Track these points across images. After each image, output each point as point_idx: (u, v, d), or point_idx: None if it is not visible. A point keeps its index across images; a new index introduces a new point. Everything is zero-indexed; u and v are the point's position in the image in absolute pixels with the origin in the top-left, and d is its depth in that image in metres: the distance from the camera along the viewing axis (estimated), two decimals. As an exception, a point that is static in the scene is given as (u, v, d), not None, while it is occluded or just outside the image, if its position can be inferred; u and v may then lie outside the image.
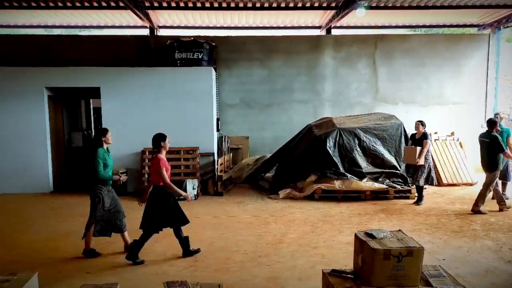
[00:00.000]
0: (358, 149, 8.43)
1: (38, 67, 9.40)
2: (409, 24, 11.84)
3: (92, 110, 11.61)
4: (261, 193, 8.83)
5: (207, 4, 9.60)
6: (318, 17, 10.93)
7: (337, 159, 8.25)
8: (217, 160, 8.98)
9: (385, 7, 9.96)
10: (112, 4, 9.40)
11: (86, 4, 9.44)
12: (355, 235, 3.34)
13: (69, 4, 9.42)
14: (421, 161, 7.43)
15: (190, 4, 9.58)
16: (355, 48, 11.28)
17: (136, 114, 8.99)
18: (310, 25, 11.60)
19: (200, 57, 9.48)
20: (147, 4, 9.48)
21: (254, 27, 11.51)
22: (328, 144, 8.28)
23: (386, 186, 8.10)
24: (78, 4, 9.44)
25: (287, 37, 11.27)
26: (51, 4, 9.37)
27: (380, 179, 8.27)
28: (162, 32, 11.21)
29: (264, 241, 5.59)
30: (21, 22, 10.86)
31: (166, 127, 8.94)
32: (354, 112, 10.87)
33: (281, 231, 6.04)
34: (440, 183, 9.38)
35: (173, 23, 11.10)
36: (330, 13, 10.41)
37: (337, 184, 8.00)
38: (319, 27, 11.65)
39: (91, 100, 11.37)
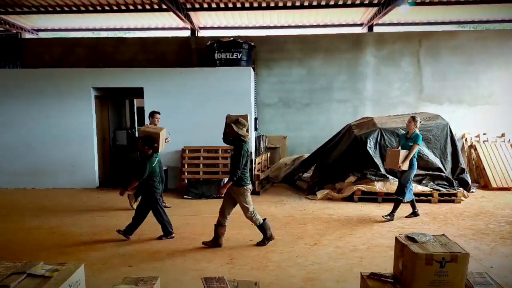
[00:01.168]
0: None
1: (86, 68, 9.89)
2: (457, 20, 11.28)
3: (135, 110, 12.06)
4: (299, 193, 8.78)
5: (247, 4, 9.67)
6: (359, 15, 10.69)
7: (378, 160, 8.03)
8: (255, 160, 9.02)
9: (431, 3, 9.56)
10: (156, 7, 9.69)
11: (131, 7, 9.80)
12: (396, 238, 3.24)
13: (115, 8, 9.82)
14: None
15: (230, 5, 9.68)
16: (398, 45, 10.93)
17: (177, 113, 9.22)
18: (351, 22, 11.35)
19: (239, 57, 9.57)
20: (188, 6, 9.69)
21: (294, 26, 11.44)
22: (368, 145, 8.09)
23: (430, 189, 7.79)
24: (123, 8, 9.82)
25: (327, 36, 11.11)
26: (98, 8, 9.81)
27: (423, 182, 7.97)
28: (202, 33, 11.42)
29: (301, 241, 5.55)
30: (71, 26, 11.47)
31: (205, 126, 9.16)
32: (397, 112, 10.53)
33: (319, 232, 5.97)
34: (488, 187, 8.89)
35: (213, 24, 11.27)
36: (372, 10, 10.15)
37: (378, 186, 7.79)
38: (360, 25, 11.39)
39: (134, 100, 11.81)
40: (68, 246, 5.48)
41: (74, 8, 9.78)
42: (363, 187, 7.85)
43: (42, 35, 11.75)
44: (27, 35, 11.48)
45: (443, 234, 3.30)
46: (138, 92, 9.46)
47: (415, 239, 3.09)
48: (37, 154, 9.39)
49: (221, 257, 4.96)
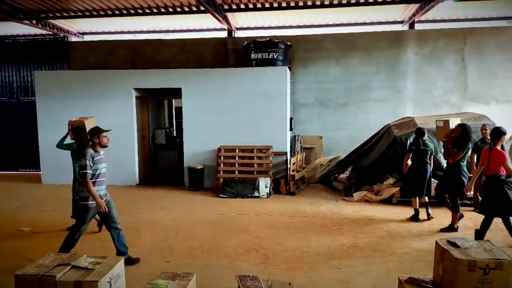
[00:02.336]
0: (443, 151, 7.82)
1: (128, 69, 10.24)
2: (506, 15, 10.68)
3: (174, 109, 12.36)
4: (335, 194, 8.65)
5: (284, 4, 9.64)
6: (400, 12, 10.37)
7: (418, 162, 7.75)
8: (290, 160, 8.99)
9: (476, -2, 9.11)
10: (194, 9, 9.88)
11: (171, 10, 10.05)
12: (436, 242, 3.12)
13: (155, 11, 10.11)
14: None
15: (267, 5, 9.69)
16: (441, 43, 10.50)
17: (213, 113, 9.35)
18: (391, 20, 11.04)
19: (275, 57, 9.57)
20: (226, 7, 9.80)
21: (331, 25, 11.28)
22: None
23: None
24: (163, 10, 10.09)
25: (365, 34, 10.87)
26: (139, 11, 10.14)
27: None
28: (239, 34, 11.52)
29: (337, 243, 5.46)
30: (114, 29, 11.93)
31: (241, 125, 9.24)
32: (440, 112, 10.13)
33: (355, 234, 5.85)
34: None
35: (249, 24, 11.33)
36: (413, 6, 9.81)
37: (418, 188, 7.52)
38: (401, 22, 11.04)
39: (173, 100, 12.10)
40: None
41: (116, 12, 10.17)
42: (402, 190, 7.60)
43: (87, 38, 12.30)
44: (73, 38, 12.06)
45: (488, 240, 3.14)
46: (177, 92, 9.68)
47: (456, 244, 2.97)
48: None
49: (256, 257, 4.98)
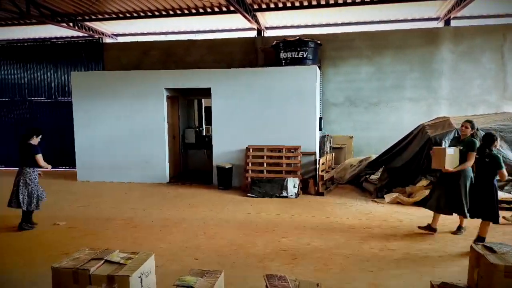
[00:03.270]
0: None
1: (159, 70, 10.46)
2: (549, 9, 10.12)
3: (203, 109, 12.50)
4: (365, 195, 8.48)
5: (314, 2, 9.54)
6: (435, 8, 10.03)
7: (453, 163, 7.48)
8: (319, 160, 8.88)
9: (518, -8, 8.69)
10: (224, 9, 9.96)
11: (201, 10, 10.17)
12: (471, 247, 2.99)
13: (186, 12, 10.27)
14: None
15: (297, 4, 9.63)
16: (478, 40, 10.09)
17: (242, 113, 9.39)
18: (425, 17, 10.70)
19: (304, 55, 9.49)
20: (255, 6, 9.81)
21: (362, 23, 11.06)
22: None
23: (513, 196, 7.07)
24: (194, 11, 10.23)
25: (398, 31, 10.60)
26: (171, 13, 10.32)
27: (506, 188, 7.26)
28: (268, 33, 11.51)
29: (367, 245, 5.35)
30: (146, 30, 12.21)
31: (269, 125, 9.22)
32: (477, 112, 9.74)
33: (386, 237, 5.71)
34: None
35: (279, 23, 11.30)
36: (449, 2, 9.47)
37: (452, 191, 7.25)
38: (435, 19, 10.68)
39: (203, 100, 12.25)
40: (140, 237, 5.83)
41: (149, 13, 10.40)
42: (436, 192, 7.35)
43: (120, 39, 12.65)
44: (107, 40, 12.43)
45: (528, 246, 2.98)
46: (206, 92, 9.79)
47: (493, 249, 2.84)
48: (115, 150, 10.14)
49: (284, 257, 4.96)
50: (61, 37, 12.57)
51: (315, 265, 4.66)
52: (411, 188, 7.83)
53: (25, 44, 12.74)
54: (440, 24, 10.60)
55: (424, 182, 7.66)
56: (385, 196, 7.93)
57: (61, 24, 10.47)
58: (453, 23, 10.43)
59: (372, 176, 9.28)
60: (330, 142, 9.99)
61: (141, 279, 3.13)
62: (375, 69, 10.66)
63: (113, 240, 5.68)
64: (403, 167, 8.18)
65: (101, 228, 6.28)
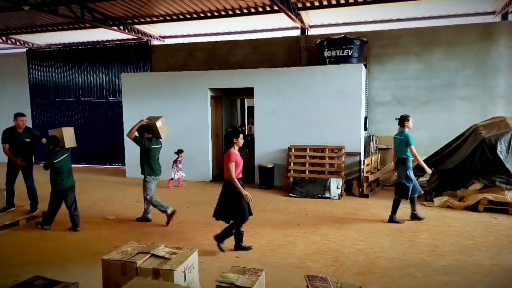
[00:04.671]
0: None
1: (204, 70, 10.67)
2: None
3: (246, 109, 12.60)
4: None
5: (360, -1, 9.31)
6: (491, 2, 9.43)
7: (510, 166, 7.00)
8: (364, 160, 8.65)
9: None
10: (268, 8, 9.97)
11: (245, 11, 10.25)
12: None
13: (230, 13, 10.39)
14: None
15: (342, 1, 9.43)
16: (540, 34, 9.37)
17: (285, 112, 9.35)
18: (479, 11, 10.09)
19: (350, 54, 9.28)
20: (299, 5, 9.73)
21: (411, 19, 10.63)
22: (499, 148, 7.10)
23: None
24: (238, 12, 10.33)
25: (449, 27, 10.08)
26: (215, 14, 10.50)
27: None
28: (312, 32, 11.38)
29: (414, 250, 5.13)
30: (192, 32, 12.50)
31: (312, 125, 9.12)
32: (538, 111, 9.06)
33: (435, 242, 5.45)
34: None
35: (323, 22, 11.13)
36: (507, -5, 8.89)
37: (509, 196, 6.79)
38: (491, 13, 10.05)
39: (245, 99, 12.35)
40: (184, 233, 5.98)
41: (194, 15, 10.64)
42: (490, 196, 6.92)
43: (167, 41, 13.05)
44: (155, 42, 12.87)
45: None
46: (249, 92, 9.86)
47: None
48: (161, 148, 10.43)
49: (325, 258, 4.88)
50: (112, 40, 13.19)
51: (358, 268, 4.54)
52: (462, 191, 7.42)
53: (79, 47, 13.50)
54: (497, 19, 9.96)
55: (477, 186, 7.23)
56: (434, 199, 7.58)
57: (112, 27, 10.98)
58: (511, 17, 9.77)
59: (421, 178, 8.88)
60: (375, 143, 9.70)
61: (185, 274, 3.21)
62: (424, 66, 10.22)
63: (159, 235, 5.87)
64: (454, 170, 7.77)
65: (147, 223, 6.51)
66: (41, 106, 14.01)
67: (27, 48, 13.94)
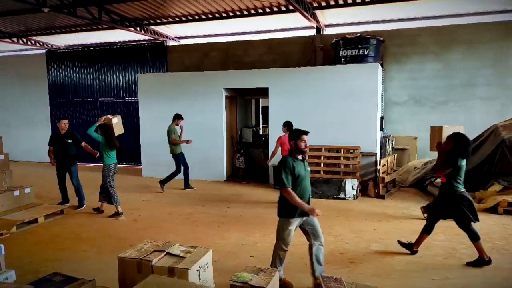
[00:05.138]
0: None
1: (218, 71, 10.71)
2: None
3: (260, 109, 12.59)
4: (430, 200, 7.99)
5: (376, -2, 9.20)
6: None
7: (531, 168, 6.83)
8: (380, 161, 8.55)
9: None
10: (283, 8, 9.94)
11: (260, 11, 10.25)
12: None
13: (245, 13, 10.40)
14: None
15: (358, 0, 9.34)
16: None
17: (299, 112, 9.31)
18: (500, 9, 9.84)
19: (365, 53, 9.18)
20: (315, 4, 9.68)
21: (429, 17, 10.44)
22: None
23: None
24: (253, 12, 10.33)
25: (468, 26, 9.87)
26: (230, 14, 10.52)
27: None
28: (328, 31, 11.30)
29: (431, 252, 5.05)
30: (207, 33, 12.56)
31: (327, 125, 9.05)
32: (560, 111, 8.80)
33: (452, 244, 5.35)
34: None
35: (339, 21, 11.03)
36: (529, -8, 8.65)
37: (531, 198, 6.62)
38: (512, 11, 9.80)
39: (260, 99, 12.34)
40: (199, 232, 6.02)
41: (210, 16, 10.69)
42: (510, 198, 6.76)
43: (183, 41, 13.15)
44: (171, 43, 12.98)
45: None
46: (264, 92, 9.85)
47: None
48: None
49: (341, 260, 4.84)
50: (129, 41, 13.35)
51: (374, 270, 4.49)
52: (481, 193, 7.27)
53: (97, 48, 13.72)
54: (519, 16, 9.71)
55: (496, 187, 7.08)
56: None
57: (129, 28, 11.12)
58: (534, 14, 9.52)
59: (438, 180, 8.73)
60: (392, 143, 9.58)
61: (199, 273, 3.22)
62: (442, 66, 10.03)
63: (174, 233, 5.91)
64: (473, 171, 7.62)
65: (162, 222, 6.58)
66: (60, 106, 14.29)
67: (47, 49, 14.25)
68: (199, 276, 3.22)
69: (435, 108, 10.14)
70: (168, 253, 3.37)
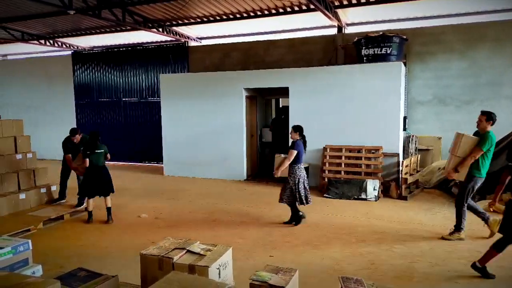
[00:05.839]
0: None
1: (239, 71, 10.75)
2: None
3: (281, 108, 12.56)
4: (454, 201, 7.80)
5: (399, -5, 9.03)
6: (543, -6, 8.86)
7: (562, 169, 6.54)
8: (402, 162, 8.39)
9: None
10: (304, 7, 9.89)
11: (281, 10, 10.23)
12: None
13: (266, 12, 10.40)
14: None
15: (380, -3, 9.19)
16: None
17: (320, 112, 9.25)
18: (530, 5, 9.51)
19: (388, 52, 9.04)
20: (336, 3, 9.59)
21: (454, 15, 10.18)
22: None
23: None
24: (274, 12, 10.32)
25: (496, 23, 9.56)
26: (251, 14, 10.54)
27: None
28: (349, 30, 11.16)
29: (455, 255, 4.93)
30: (228, 33, 12.62)
31: (348, 125, 8.96)
32: None
33: (478, 247, 5.19)
34: None
35: (361, 19, 10.89)
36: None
37: (562, 201, 6.35)
38: (543, 6, 9.43)
39: (280, 99, 12.32)
40: (218, 230, 6.06)
41: (231, 16, 10.75)
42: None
43: (204, 42, 13.26)
44: (192, 43, 13.11)
45: None
46: (284, 92, 9.83)
47: None
48: (197, 147, 10.66)
49: (361, 261, 4.78)
50: (151, 42, 13.57)
51: (395, 272, 4.41)
52: (508, 195, 7.01)
53: (120, 49, 14.00)
54: (551, 12, 9.34)
55: (525, 190, 6.82)
56: (478, 203, 7.22)
57: (152, 29, 11.29)
58: None
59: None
60: (415, 143, 9.39)
61: (219, 271, 3.24)
62: (468, 64, 9.76)
63: (194, 231, 5.98)
64: (500, 172, 7.36)
65: (183, 220, 6.66)
66: (84, 106, 14.65)
67: (73, 51, 14.64)
68: (219, 274, 3.24)
69: (460, 108, 9.88)
70: (188, 251, 3.40)
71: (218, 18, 10.92)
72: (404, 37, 9.30)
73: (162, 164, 11.50)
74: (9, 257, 2.97)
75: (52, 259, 4.82)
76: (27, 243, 3.13)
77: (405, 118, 9.31)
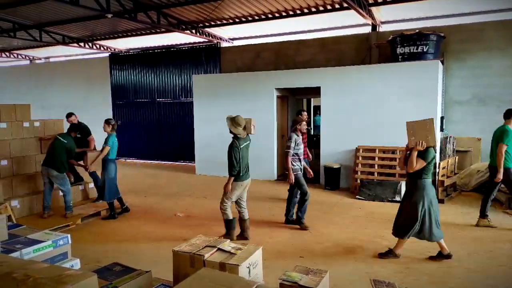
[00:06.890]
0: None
1: (270, 71, 10.75)
2: None
3: (312, 108, 12.47)
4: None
5: (436, -8, 8.73)
6: None
7: None
8: (439, 163, 8.11)
9: None
10: (337, 6, 9.76)
11: (313, 9, 10.14)
12: None
13: (298, 12, 10.35)
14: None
15: (417, -5, 8.92)
16: None
17: (353, 112, 9.10)
18: None
19: (425, 50, 8.76)
20: (370, 1, 9.39)
21: (495, 11, 9.73)
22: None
23: None
24: (306, 11, 10.25)
25: (542, 18, 9.07)
26: (283, 14, 10.52)
27: None
28: (384, 28, 10.91)
29: (494, 261, 4.71)
30: (259, 33, 12.66)
31: (382, 125, 8.76)
32: None
33: (520, 254, 4.95)
34: None
35: (396, 17, 10.61)
36: None
37: None
38: None
39: (311, 99, 12.22)
40: (251, 230, 6.08)
41: (262, 16, 10.78)
42: None
43: (235, 43, 13.37)
44: (224, 44, 13.25)
45: None
46: (316, 91, 9.74)
47: None
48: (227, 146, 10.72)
49: (395, 264, 4.67)
50: (184, 43, 13.83)
51: (430, 278, 4.28)
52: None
53: (155, 51, 14.35)
54: None
55: None
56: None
57: (185, 31, 11.51)
58: None
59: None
60: (453, 145, 9.05)
61: (249, 270, 3.26)
62: (510, 62, 9.29)
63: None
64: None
65: (215, 219, 6.74)
66: (120, 106, 15.14)
67: (110, 53, 15.16)
68: (249, 273, 3.26)
69: (502, 108, 9.35)
70: (219, 249, 3.44)
71: (249, 18, 10.98)
72: (441, 34, 9.00)
73: (194, 163, 11.69)
74: (50, 250, 3.12)
75: (91, 254, 5.02)
76: (67, 237, 3.27)
77: (442, 118, 9.00)
